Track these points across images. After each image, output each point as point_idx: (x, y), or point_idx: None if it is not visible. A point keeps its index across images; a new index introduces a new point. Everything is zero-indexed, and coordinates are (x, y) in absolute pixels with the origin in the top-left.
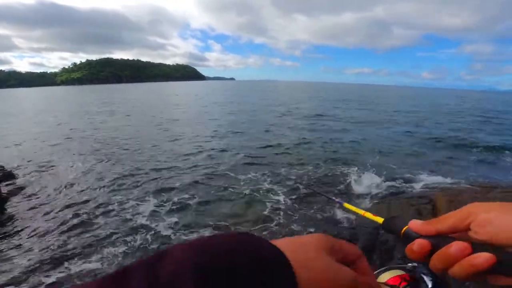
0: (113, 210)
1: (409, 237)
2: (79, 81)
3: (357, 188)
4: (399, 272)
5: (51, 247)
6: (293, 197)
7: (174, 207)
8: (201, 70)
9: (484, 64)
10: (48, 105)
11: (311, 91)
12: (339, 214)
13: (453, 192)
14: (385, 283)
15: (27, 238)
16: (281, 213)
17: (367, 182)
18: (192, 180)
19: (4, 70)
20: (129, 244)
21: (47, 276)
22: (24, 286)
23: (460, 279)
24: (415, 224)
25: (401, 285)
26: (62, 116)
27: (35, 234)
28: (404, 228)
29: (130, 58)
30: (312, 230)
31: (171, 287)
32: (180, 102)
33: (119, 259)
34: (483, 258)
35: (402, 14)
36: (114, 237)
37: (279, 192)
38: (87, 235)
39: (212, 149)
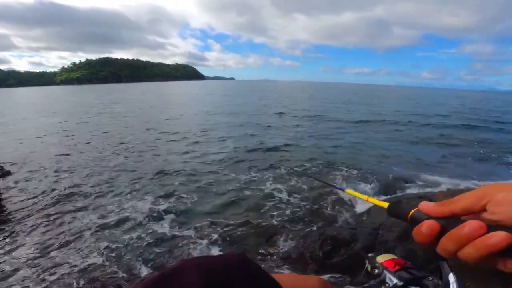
0: (111, 207)
1: (417, 220)
2: (79, 81)
3: (357, 189)
4: (392, 256)
5: (49, 245)
6: (295, 194)
7: (173, 205)
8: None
9: (484, 64)
10: (48, 104)
11: (311, 91)
12: (339, 214)
13: (453, 192)
14: (381, 264)
15: (25, 237)
16: (281, 209)
17: (367, 182)
18: (191, 180)
19: (3, 70)
20: (127, 241)
21: (44, 273)
22: (22, 284)
23: (471, 261)
24: (426, 206)
25: (395, 268)
26: (61, 115)
27: (32, 232)
28: (413, 211)
29: (130, 57)
30: (313, 229)
31: None
32: (180, 102)
33: (118, 255)
34: (499, 237)
35: (402, 14)
36: (112, 234)
37: (280, 189)
38: (84, 233)
39: (212, 149)
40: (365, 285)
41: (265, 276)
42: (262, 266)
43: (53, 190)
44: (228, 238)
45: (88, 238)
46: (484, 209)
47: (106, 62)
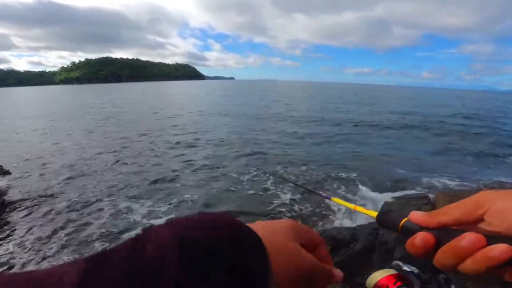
0: (109, 206)
1: (409, 231)
2: (78, 80)
3: (357, 189)
4: (391, 271)
5: (46, 244)
6: (291, 196)
7: (171, 205)
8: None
9: (484, 64)
10: (48, 104)
11: (311, 91)
12: (339, 213)
13: (453, 192)
14: (376, 284)
15: (22, 235)
16: (281, 210)
17: (366, 182)
18: (190, 179)
19: (2, 69)
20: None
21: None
22: None
23: (472, 274)
24: (416, 216)
25: (396, 285)
26: (61, 115)
27: (29, 231)
28: (403, 221)
29: (130, 57)
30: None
31: (156, 260)
32: (179, 102)
33: None
34: (500, 249)
35: (402, 14)
36: (110, 234)
37: (279, 190)
38: (82, 232)
39: (212, 149)
40: None
41: (252, 235)
42: None
43: (53, 190)
44: None
45: (86, 237)
46: (480, 219)
47: (106, 61)
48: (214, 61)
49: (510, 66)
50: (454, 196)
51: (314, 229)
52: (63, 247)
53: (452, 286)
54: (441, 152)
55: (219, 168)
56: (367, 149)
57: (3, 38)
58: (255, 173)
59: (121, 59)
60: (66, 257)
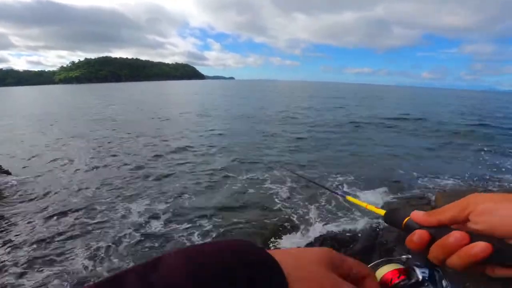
0: (108, 207)
1: (410, 228)
2: (78, 80)
3: (357, 189)
4: (396, 266)
5: (44, 244)
6: (295, 194)
7: (169, 205)
8: (201, 69)
9: (484, 64)
10: (47, 104)
11: (311, 91)
12: (340, 213)
13: (453, 192)
14: (382, 278)
15: (22, 235)
16: (281, 210)
17: (367, 182)
18: (190, 179)
19: (1, 69)
20: (122, 242)
21: (38, 272)
22: (18, 281)
23: (459, 269)
24: (416, 215)
25: (400, 279)
26: (60, 115)
27: (29, 231)
28: (406, 219)
29: (129, 57)
30: (313, 229)
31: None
32: (179, 102)
33: (112, 257)
34: (480, 247)
35: (402, 13)
36: (107, 234)
37: (279, 190)
38: (82, 232)
39: (211, 149)
40: None
41: (268, 260)
42: None
43: (52, 189)
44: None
45: (85, 238)
46: (468, 219)
47: (105, 61)
48: (214, 60)
49: (510, 66)
50: (453, 196)
51: (357, 260)
52: (62, 247)
53: (443, 281)
54: (441, 152)
55: (219, 168)
56: (367, 149)
57: (2, 37)
58: (254, 173)
59: (121, 58)
60: (65, 257)
